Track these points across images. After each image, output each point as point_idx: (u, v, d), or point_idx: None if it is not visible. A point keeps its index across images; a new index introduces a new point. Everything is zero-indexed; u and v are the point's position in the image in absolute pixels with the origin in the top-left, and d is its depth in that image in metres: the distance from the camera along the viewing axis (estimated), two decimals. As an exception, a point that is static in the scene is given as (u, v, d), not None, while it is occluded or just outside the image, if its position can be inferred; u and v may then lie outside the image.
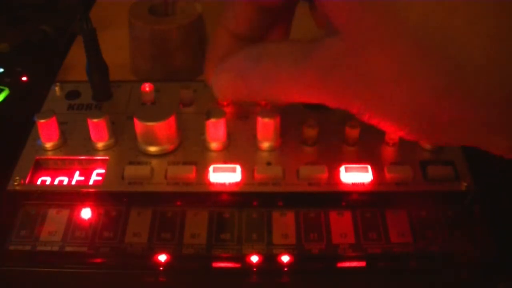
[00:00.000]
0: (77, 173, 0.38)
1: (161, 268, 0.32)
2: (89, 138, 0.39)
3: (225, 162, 0.37)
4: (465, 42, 0.19)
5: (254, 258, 0.32)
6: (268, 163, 0.37)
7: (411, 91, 0.22)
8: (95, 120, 0.37)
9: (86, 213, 0.35)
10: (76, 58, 0.51)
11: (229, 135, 0.39)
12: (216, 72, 0.32)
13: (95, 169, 0.38)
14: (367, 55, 0.22)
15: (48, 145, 0.38)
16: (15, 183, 0.36)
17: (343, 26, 0.23)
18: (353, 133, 0.38)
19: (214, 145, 0.38)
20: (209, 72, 0.34)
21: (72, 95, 0.44)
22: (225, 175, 0.36)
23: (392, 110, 0.23)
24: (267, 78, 0.28)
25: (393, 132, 0.26)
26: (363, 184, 0.36)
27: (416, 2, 0.20)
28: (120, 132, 0.40)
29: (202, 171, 0.37)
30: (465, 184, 0.35)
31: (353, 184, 0.36)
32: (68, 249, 0.33)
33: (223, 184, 0.36)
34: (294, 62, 0.26)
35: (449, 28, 0.20)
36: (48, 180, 0.37)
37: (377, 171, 0.36)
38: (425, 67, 0.21)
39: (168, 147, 0.38)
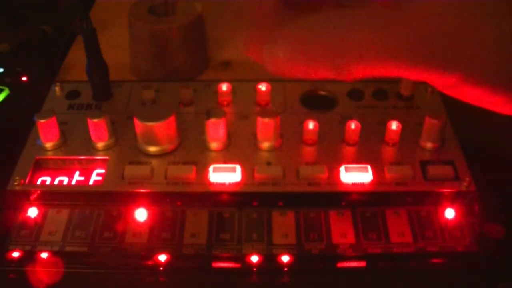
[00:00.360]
0: (77, 173, 0.38)
1: (161, 268, 0.32)
2: (89, 138, 0.39)
3: (225, 162, 0.37)
4: None
5: (254, 258, 0.32)
6: (268, 163, 0.37)
7: None
8: (95, 120, 0.37)
9: (86, 213, 0.35)
10: (76, 58, 0.51)
11: (229, 135, 0.39)
12: (268, 45, 0.28)
13: (95, 169, 0.38)
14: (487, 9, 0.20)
15: (48, 145, 0.38)
16: (15, 183, 0.36)
17: None
18: (353, 133, 0.38)
19: (214, 145, 0.38)
20: (251, 43, 0.30)
21: (72, 95, 0.44)
22: (225, 175, 0.36)
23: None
24: (337, 47, 0.25)
25: (482, 103, 0.23)
26: (363, 184, 0.36)
27: None
28: (120, 132, 0.40)
29: (202, 171, 0.37)
30: (465, 184, 0.35)
31: (353, 184, 0.36)
32: (68, 249, 0.33)
33: (223, 184, 0.36)
34: (375, 27, 0.23)
35: None
36: (48, 180, 0.37)
37: (377, 171, 0.36)
38: None
39: (168, 147, 0.38)
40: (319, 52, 0.26)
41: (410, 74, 0.23)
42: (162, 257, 0.32)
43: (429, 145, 0.38)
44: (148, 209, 0.35)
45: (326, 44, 0.25)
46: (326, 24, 0.25)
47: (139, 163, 0.38)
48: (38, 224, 0.34)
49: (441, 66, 0.22)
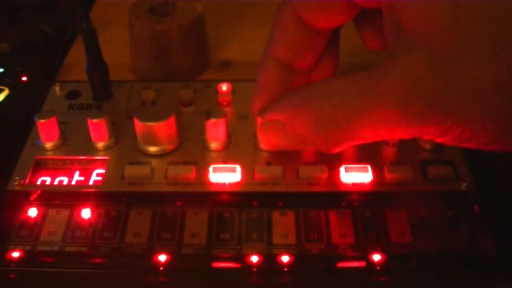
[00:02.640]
0: (77, 173, 0.38)
1: (161, 268, 0.32)
2: (89, 138, 0.39)
3: (225, 162, 0.37)
4: None
5: (254, 258, 0.32)
6: (268, 163, 0.37)
7: None
8: (95, 120, 0.37)
9: (86, 213, 0.35)
10: (76, 58, 0.51)
11: (229, 135, 0.39)
12: (261, 121, 0.31)
13: (95, 169, 0.38)
14: (464, 64, 0.20)
15: (48, 145, 0.38)
16: (15, 183, 0.36)
17: (432, 35, 0.21)
18: (353, 133, 0.38)
19: (214, 145, 0.38)
20: (257, 103, 0.33)
21: (72, 95, 0.44)
22: (225, 175, 0.36)
23: (494, 121, 0.21)
24: (321, 121, 0.26)
25: (477, 146, 0.24)
26: (363, 184, 0.36)
27: None
28: (120, 132, 0.40)
29: (202, 171, 0.37)
30: (465, 184, 0.35)
31: (353, 184, 0.36)
32: (68, 249, 0.33)
33: (223, 184, 0.36)
34: (360, 94, 0.24)
35: None
36: (48, 180, 0.37)
37: (377, 171, 0.36)
38: None
39: (168, 147, 0.38)
40: (303, 127, 0.27)
41: (401, 135, 0.24)
42: (162, 257, 0.32)
43: (429, 145, 0.38)
44: (147, 209, 0.35)
45: (310, 119, 0.26)
46: (309, 99, 0.26)
47: (139, 163, 0.38)
48: (38, 224, 0.34)
49: (429, 125, 0.22)
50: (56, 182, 0.37)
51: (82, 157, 0.38)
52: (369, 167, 0.36)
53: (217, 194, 0.36)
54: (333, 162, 0.37)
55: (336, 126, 0.25)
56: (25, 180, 0.37)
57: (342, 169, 0.36)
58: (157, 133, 0.37)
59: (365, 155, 0.38)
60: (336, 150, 0.28)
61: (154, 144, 0.38)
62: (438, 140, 0.23)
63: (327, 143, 0.27)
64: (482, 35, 0.20)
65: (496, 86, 0.20)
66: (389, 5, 0.23)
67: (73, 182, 0.37)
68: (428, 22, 0.21)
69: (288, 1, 0.29)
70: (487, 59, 0.20)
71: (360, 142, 0.26)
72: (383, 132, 0.24)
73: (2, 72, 0.49)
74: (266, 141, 0.32)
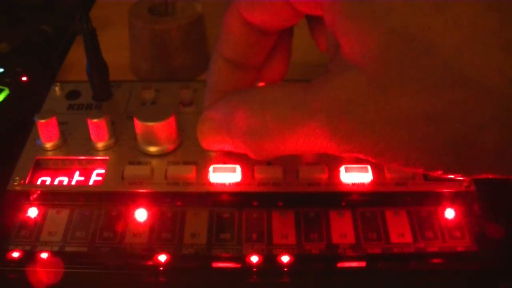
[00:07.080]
0: (77, 173, 0.38)
1: (161, 268, 0.32)
2: (89, 138, 0.39)
3: (225, 162, 0.37)
4: (507, 74, 0.18)
5: (254, 258, 0.32)
6: (268, 163, 0.37)
7: (451, 126, 0.20)
8: (95, 120, 0.37)
9: (86, 213, 0.35)
10: (76, 58, 0.51)
11: (229, 135, 0.39)
12: (200, 119, 0.31)
13: (95, 169, 0.38)
14: (395, 92, 0.20)
15: (48, 145, 0.38)
16: (15, 183, 0.36)
17: (366, 60, 0.21)
18: (353, 133, 0.38)
19: (214, 145, 0.38)
20: (208, 104, 0.33)
21: (72, 95, 0.44)
22: (225, 175, 0.36)
23: (425, 149, 0.21)
24: (253, 128, 0.26)
25: (414, 171, 0.24)
26: (363, 184, 0.36)
27: (448, 39, 0.19)
28: (120, 132, 0.40)
29: (202, 171, 0.37)
30: (465, 184, 0.35)
31: (353, 184, 0.36)
32: (68, 249, 0.33)
33: (223, 184, 0.36)
34: (293, 108, 0.24)
35: (487, 60, 0.19)
36: (48, 180, 0.37)
37: (377, 171, 0.36)
38: (463, 100, 0.19)
39: (168, 147, 0.38)
40: (237, 131, 0.27)
41: (331, 152, 0.24)
42: (162, 257, 0.32)
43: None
44: (148, 209, 0.35)
45: (242, 125, 0.26)
46: (243, 104, 0.26)
47: (139, 163, 0.38)
48: (38, 224, 0.34)
49: (359, 145, 0.23)
50: (56, 182, 0.37)
51: (82, 157, 0.38)
52: (369, 167, 0.36)
53: (217, 194, 0.36)
54: (333, 162, 0.37)
55: (267, 136, 0.25)
56: (25, 180, 0.37)
57: (342, 169, 0.36)
58: (157, 133, 0.37)
59: (365, 155, 0.38)
60: (267, 158, 0.28)
61: (154, 144, 0.38)
62: (373, 160, 0.23)
63: (258, 151, 0.27)
64: (414, 66, 0.20)
65: (426, 118, 0.20)
66: (329, 20, 0.23)
67: (73, 182, 0.37)
68: (362, 47, 0.21)
69: (233, 3, 0.29)
70: (419, 90, 0.20)
71: (293, 153, 0.26)
72: (314, 147, 0.24)
73: (2, 72, 0.49)
74: (201, 139, 0.32)
